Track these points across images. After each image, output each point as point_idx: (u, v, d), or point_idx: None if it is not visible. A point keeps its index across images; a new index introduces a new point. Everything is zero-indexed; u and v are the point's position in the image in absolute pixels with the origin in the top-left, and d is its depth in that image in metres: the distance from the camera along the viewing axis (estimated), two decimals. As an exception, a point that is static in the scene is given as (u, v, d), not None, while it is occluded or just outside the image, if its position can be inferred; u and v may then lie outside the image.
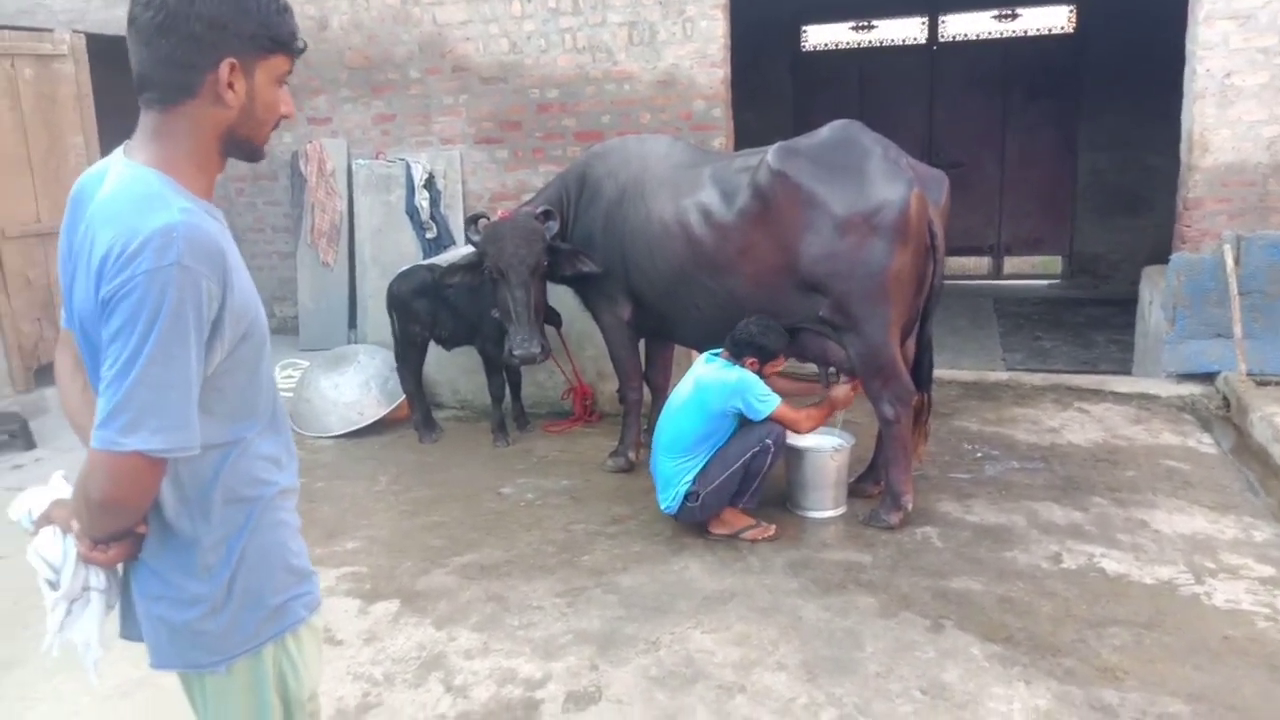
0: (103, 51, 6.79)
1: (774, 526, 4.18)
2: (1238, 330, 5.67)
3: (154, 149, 1.55)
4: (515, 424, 5.81)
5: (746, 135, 7.17)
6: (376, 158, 7.67)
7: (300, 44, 1.62)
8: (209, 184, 1.61)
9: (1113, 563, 3.80)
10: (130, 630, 1.72)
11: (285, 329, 8.24)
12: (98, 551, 1.56)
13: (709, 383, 4.10)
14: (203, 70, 1.51)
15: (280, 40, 1.58)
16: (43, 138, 6.48)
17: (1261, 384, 5.56)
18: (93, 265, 1.45)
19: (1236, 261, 5.71)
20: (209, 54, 1.51)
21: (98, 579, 1.62)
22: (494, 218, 5.05)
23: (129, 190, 1.48)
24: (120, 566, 1.66)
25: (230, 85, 1.53)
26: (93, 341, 1.51)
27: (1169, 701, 2.90)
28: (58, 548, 1.60)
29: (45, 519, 1.63)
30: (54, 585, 1.60)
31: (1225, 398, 5.65)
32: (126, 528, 1.54)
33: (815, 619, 3.47)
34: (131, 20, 1.52)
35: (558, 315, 5.52)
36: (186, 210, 1.47)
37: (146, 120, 1.56)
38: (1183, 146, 6.17)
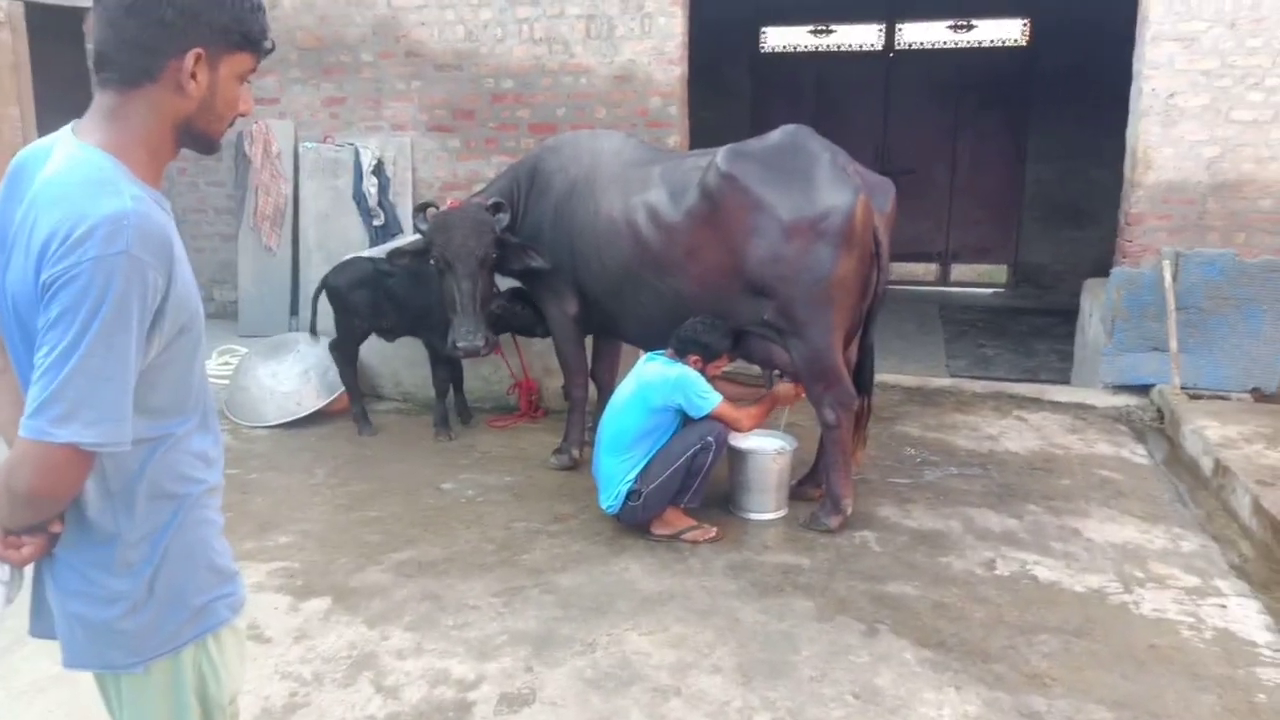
0: (42, 22, 6.56)
1: (715, 528, 4.18)
2: (1173, 345, 5.81)
3: (107, 131, 1.50)
4: (458, 418, 5.74)
5: (705, 133, 7.17)
6: (324, 141, 7.53)
7: (269, 44, 1.60)
8: (159, 172, 1.57)
9: (1045, 570, 3.87)
10: (41, 628, 1.66)
11: (224, 314, 8.06)
12: (11, 549, 1.50)
13: (650, 379, 4.09)
14: (167, 56, 1.48)
15: (250, 37, 1.55)
16: (-25, 108, 6.25)
17: (1194, 397, 5.71)
18: (33, 247, 1.40)
19: (1174, 277, 5.85)
20: (176, 41, 1.48)
21: (1, 570, 1.55)
22: (443, 207, 4.98)
23: (79, 172, 1.43)
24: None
25: (193, 75, 1.50)
26: (25, 326, 1.46)
27: (1094, 709, 2.95)
28: None
29: None
30: None
31: (1159, 410, 5.79)
32: (46, 519, 1.49)
33: (752, 621, 3.47)
34: None
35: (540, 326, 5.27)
36: (138, 198, 1.43)
37: (102, 100, 1.52)
38: (1127, 163, 6.30)
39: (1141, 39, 6.09)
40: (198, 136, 1.58)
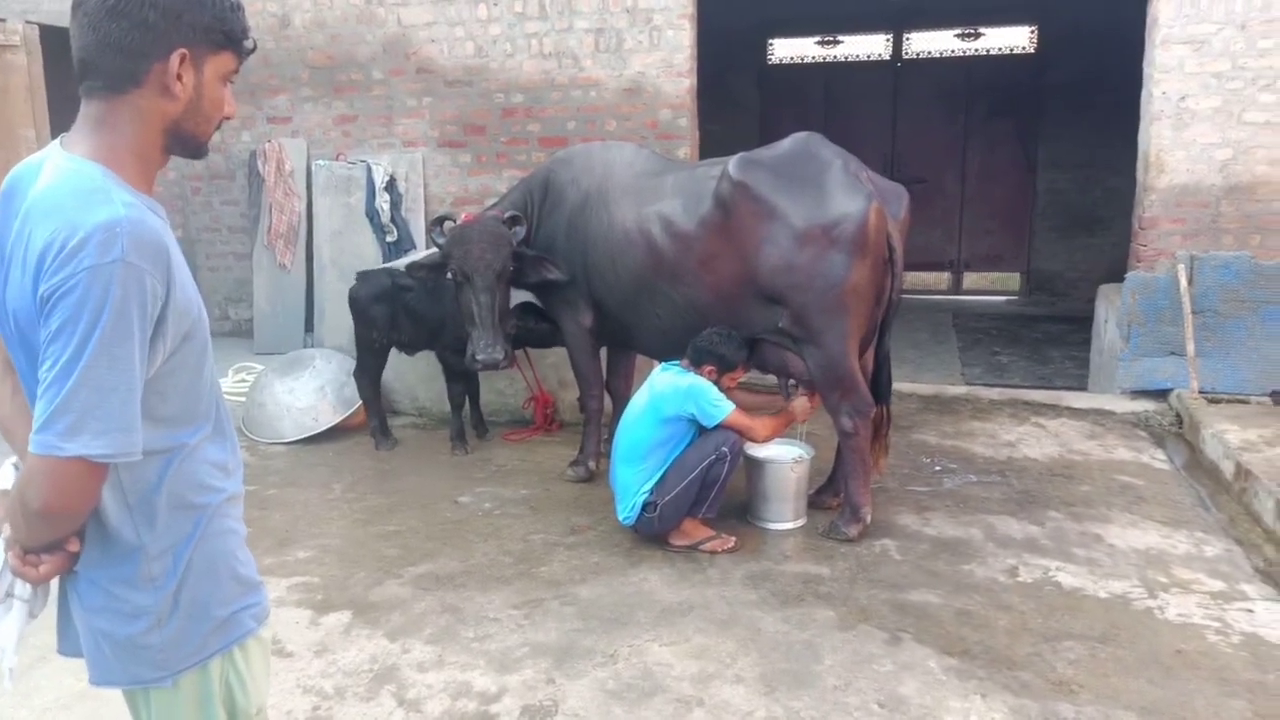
0: (56, 43, 6.63)
1: (734, 538, 4.16)
2: (1190, 349, 5.78)
3: (95, 140, 1.49)
4: (474, 431, 5.74)
5: (713, 145, 7.19)
6: (337, 159, 7.58)
7: (250, 44, 1.59)
8: (150, 179, 1.56)
9: (1068, 576, 3.84)
10: (68, 646, 1.65)
11: (240, 331, 8.10)
12: (29, 567, 1.48)
13: (662, 389, 4.08)
14: (152, 59, 1.47)
15: (232, 36, 1.55)
16: (-9, 130, 6.31)
17: (1213, 401, 5.67)
18: (30, 261, 1.39)
19: (1190, 281, 5.82)
20: (160, 42, 1.47)
21: (23, 588, 1.55)
22: (459, 221, 5.00)
23: (70, 183, 1.42)
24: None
25: (179, 76, 1.49)
26: (28, 341, 1.45)
27: (1122, 715, 2.92)
28: None
29: None
30: None
31: (1178, 414, 5.75)
32: (64, 536, 1.48)
33: (774, 631, 3.45)
34: (79, 4, 1.47)
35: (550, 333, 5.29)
36: (130, 205, 1.41)
37: (88, 110, 1.51)
38: (1139, 167, 6.29)
39: (1151, 42, 6.08)
40: (186, 140, 1.57)
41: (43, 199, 1.42)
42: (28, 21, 6.66)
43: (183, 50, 1.48)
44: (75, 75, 1.51)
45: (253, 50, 1.61)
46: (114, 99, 1.49)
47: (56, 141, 1.53)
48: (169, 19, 1.46)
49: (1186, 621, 3.48)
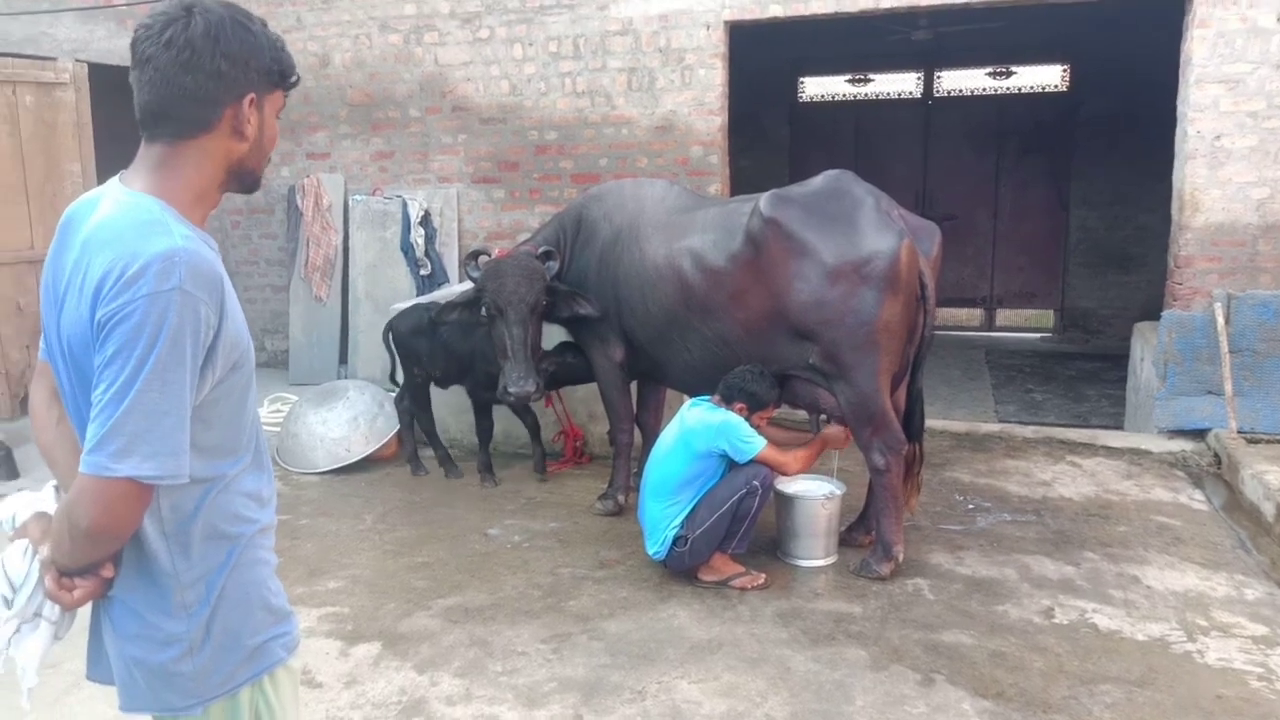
0: (104, 80, 6.82)
1: (764, 575, 4.13)
2: (1228, 388, 5.68)
3: (156, 179, 1.55)
4: (535, 471, 5.61)
5: (744, 181, 7.24)
6: (374, 194, 7.70)
7: (295, 79, 1.68)
8: (204, 216, 1.62)
9: (1104, 618, 3.77)
10: (99, 672, 1.67)
11: (276, 362, 8.21)
12: (64, 591, 1.51)
13: (694, 424, 4.08)
14: (225, 105, 1.56)
15: (285, 75, 1.64)
16: (40, 165, 6.49)
17: (1252, 442, 5.57)
18: (87, 288, 1.44)
19: (1227, 320, 5.74)
20: (232, 90, 1.55)
21: (51, 609, 1.57)
22: (493, 255, 5.06)
23: (129, 215, 1.48)
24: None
25: (248, 119, 1.58)
26: (81, 367, 1.49)
27: (1162, 763, 2.86)
28: (23, 565, 1.55)
29: (23, 530, 1.59)
30: (8, 603, 1.55)
31: (1216, 455, 5.65)
32: (107, 557, 1.50)
33: (804, 670, 3.41)
34: (147, 59, 1.52)
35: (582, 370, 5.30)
36: (188, 237, 1.47)
37: (150, 152, 1.57)
38: (1174, 205, 6.24)
39: (1185, 81, 6.06)
40: (246, 176, 1.65)
41: (101, 229, 1.48)
42: (77, 60, 6.86)
43: (252, 94, 1.57)
44: (139, 122, 1.56)
45: (296, 84, 1.69)
46: (180, 143, 1.56)
47: (115, 178, 1.59)
48: (239, 67, 1.55)
49: (1227, 666, 3.40)
